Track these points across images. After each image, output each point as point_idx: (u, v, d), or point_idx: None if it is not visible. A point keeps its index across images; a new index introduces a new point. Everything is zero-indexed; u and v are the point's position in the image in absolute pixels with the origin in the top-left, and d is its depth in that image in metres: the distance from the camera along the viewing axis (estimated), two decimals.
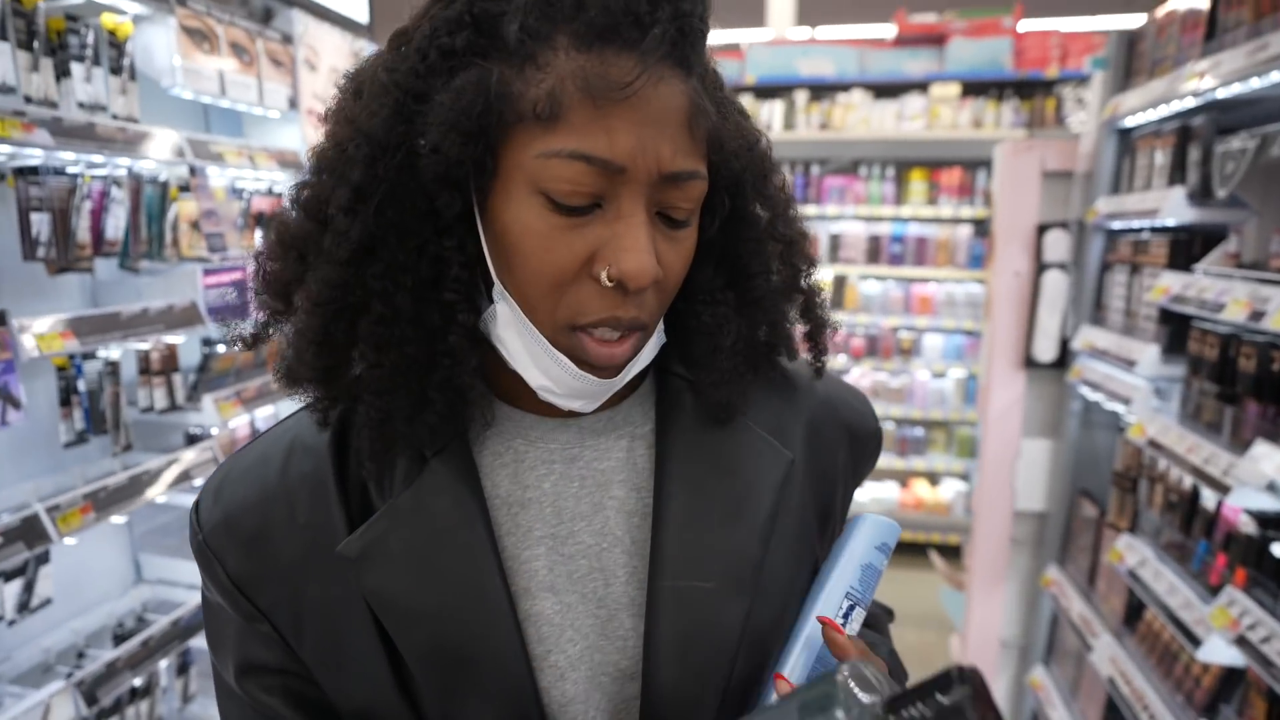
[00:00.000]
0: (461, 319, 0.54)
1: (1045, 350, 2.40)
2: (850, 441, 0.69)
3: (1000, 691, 2.62)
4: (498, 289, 0.54)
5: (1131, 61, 2.15)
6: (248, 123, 2.40)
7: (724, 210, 0.58)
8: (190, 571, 2.06)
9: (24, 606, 1.61)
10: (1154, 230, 2.01)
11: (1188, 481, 1.72)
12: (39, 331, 1.52)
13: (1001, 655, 2.62)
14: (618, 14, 0.47)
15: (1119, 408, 2.02)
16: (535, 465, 0.60)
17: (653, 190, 0.51)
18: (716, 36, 0.55)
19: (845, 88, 4.29)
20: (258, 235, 2.20)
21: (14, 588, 1.59)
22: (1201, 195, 1.73)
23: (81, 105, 1.63)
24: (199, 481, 1.91)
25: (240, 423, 2.13)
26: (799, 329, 0.66)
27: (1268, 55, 1.40)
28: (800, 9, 5.30)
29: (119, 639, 1.89)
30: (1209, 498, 1.65)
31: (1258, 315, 1.38)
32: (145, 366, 1.90)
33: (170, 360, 1.94)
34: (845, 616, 0.61)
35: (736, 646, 0.58)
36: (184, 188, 1.90)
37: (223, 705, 0.62)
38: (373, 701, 0.56)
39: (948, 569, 3.06)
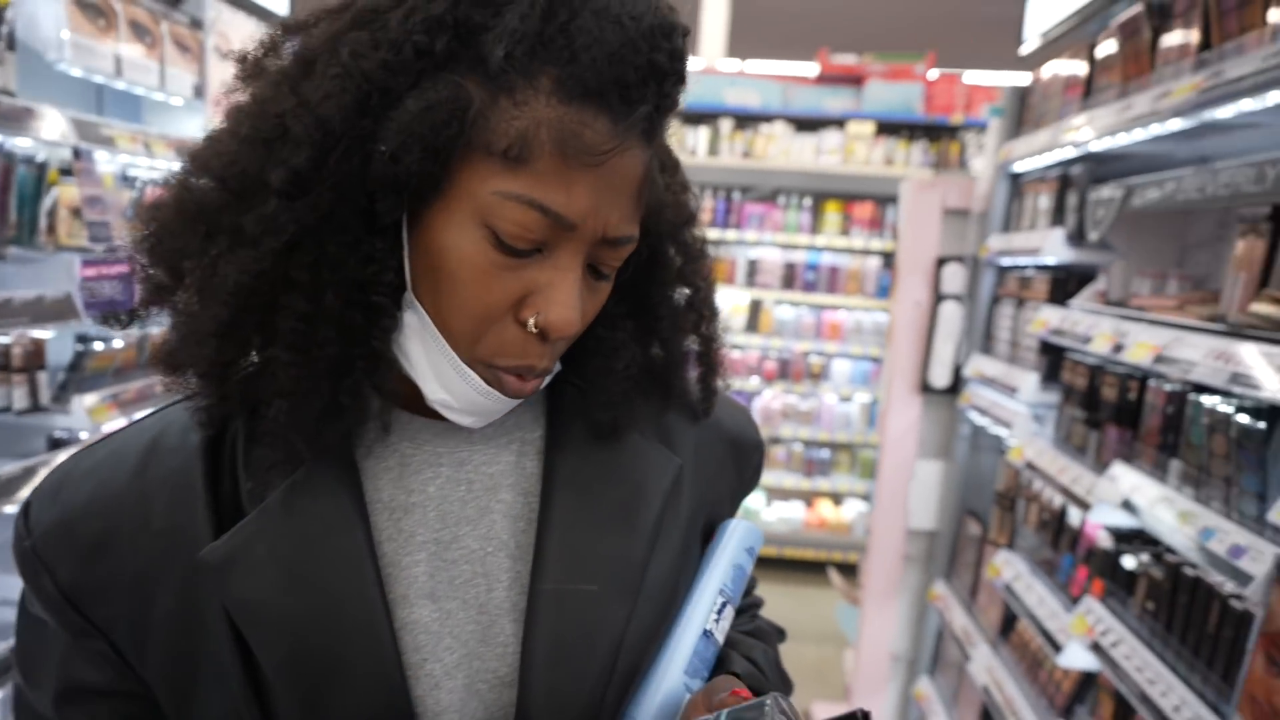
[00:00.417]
0: (385, 324, 0.52)
1: (940, 376, 2.54)
2: (735, 453, 0.71)
3: (888, 704, 2.73)
4: (409, 298, 0.52)
5: (1023, 112, 2.33)
6: (148, 108, 2.29)
7: (641, 256, 0.59)
8: None
9: None
10: (1037, 268, 2.17)
11: (1058, 501, 1.86)
12: None
13: (891, 668, 2.73)
14: (607, 79, 0.47)
15: (1002, 431, 2.16)
16: (421, 469, 0.58)
17: (591, 248, 0.52)
18: None
19: (768, 119, 4.45)
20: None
21: None
22: (1077, 237, 1.88)
23: None
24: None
25: (115, 428, 1.98)
26: (693, 371, 0.68)
27: (1133, 114, 1.55)
28: (730, 42, 5.48)
29: None
30: (1075, 515, 1.79)
31: (1119, 348, 1.52)
32: (4, 362, 1.73)
33: (36, 356, 1.77)
34: (719, 613, 0.64)
35: (617, 648, 0.57)
36: (66, 171, 1.77)
37: None
38: None
39: (845, 586, 3.17)
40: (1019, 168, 2.26)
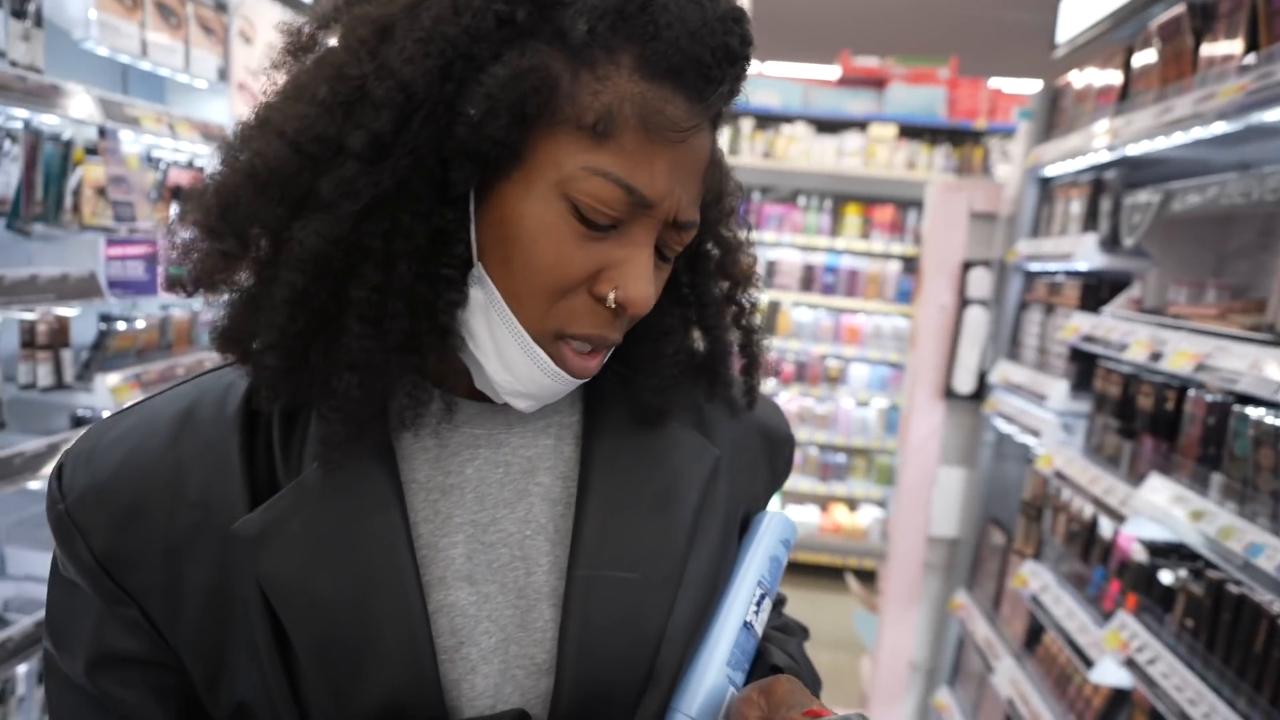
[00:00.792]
0: (453, 298, 0.51)
1: (964, 382, 2.51)
2: (768, 446, 0.71)
3: (907, 713, 2.69)
4: (476, 273, 0.52)
5: (1054, 115, 2.29)
6: (172, 90, 2.29)
7: (689, 246, 0.60)
8: None
9: None
10: (1068, 274, 2.13)
11: (1088, 511, 1.82)
12: None
13: (910, 677, 2.69)
14: (688, 57, 0.48)
15: (1030, 439, 2.12)
16: (458, 450, 0.58)
17: (662, 229, 0.53)
18: None
19: (789, 119, 4.42)
20: (173, 208, 2.09)
21: None
22: (1111, 243, 1.84)
23: None
24: None
25: (146, 396, 2.00)
26: (736, 361, 0.68)
27: (1173, 117, 1.52)
28: None
29: None
30: (1106, 527, 1.75)
31: (1156, 356, 1.48)
32: (30, 339, 1.73)
33: (60, 334, 1.77)
34: (757, 605, 0.63)
35: (659, 639, 0.57)
36: (91, 150, 1.77)
37: (57, 700, 0.55)
38: (255, 696, 0.53)
39: (863, 592, 3.14)
40: (1049, 172, 2.22)
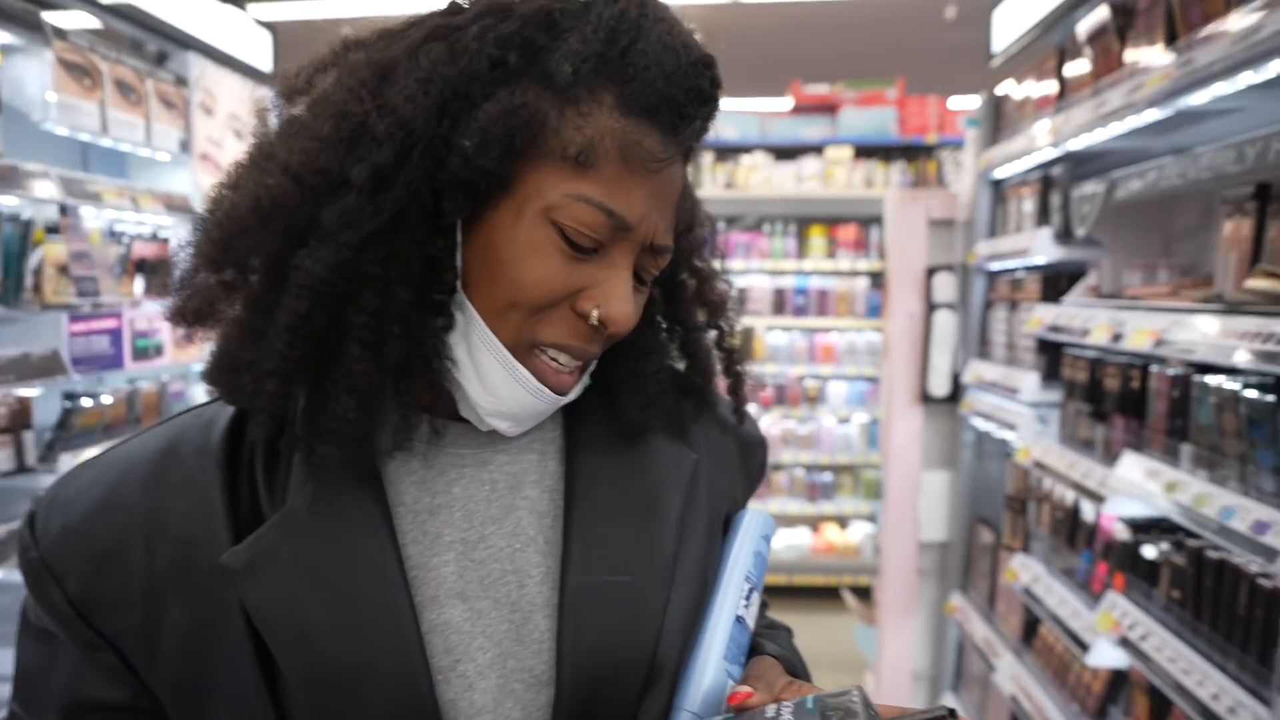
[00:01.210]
0: (443, 323, 0.54)
1: (939, 385, 2.54)
2: (742, 450, 0.73)
3: None
4: (459, 298, 0.54)
5: (999, 120, 2.38)
6: (134, 164, 2.31)
7: (664, 273, 0.64)
8: None
9: None
10: (1027, 269, 2.19)
11: (1070, 497, 1.85)
12: None
13: (914, 687, 2.67)
14: (663, 98, 0.52)
15: (1007, 434, 2.15)
16: (444, 471, 0.59)
17: (640, 253, 0.56)
18: None
19: (748, 149, 4.53)
20: (138, 283, 2.09)
21: None
22: (1064, 235, 1.91)
23: None
24: None
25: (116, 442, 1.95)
26: (720, 383, 0.71)
27: (1108, 109, 1.59)
28: None
29: None
30: (1089, 511, 1.77)
31: (1118, 337, 1.52)
32: None
33: (21, 415, 1.75)
34: (747, 599, 0.63)
35: (657, 638, 0.57)
36: (52, 229, 1.77)
37: None
38: None
39: (860, 607, 3.12)
40: (999, 174, 2.30)
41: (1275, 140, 1.23)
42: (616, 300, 0.54)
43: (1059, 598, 1.77)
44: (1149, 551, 1.50)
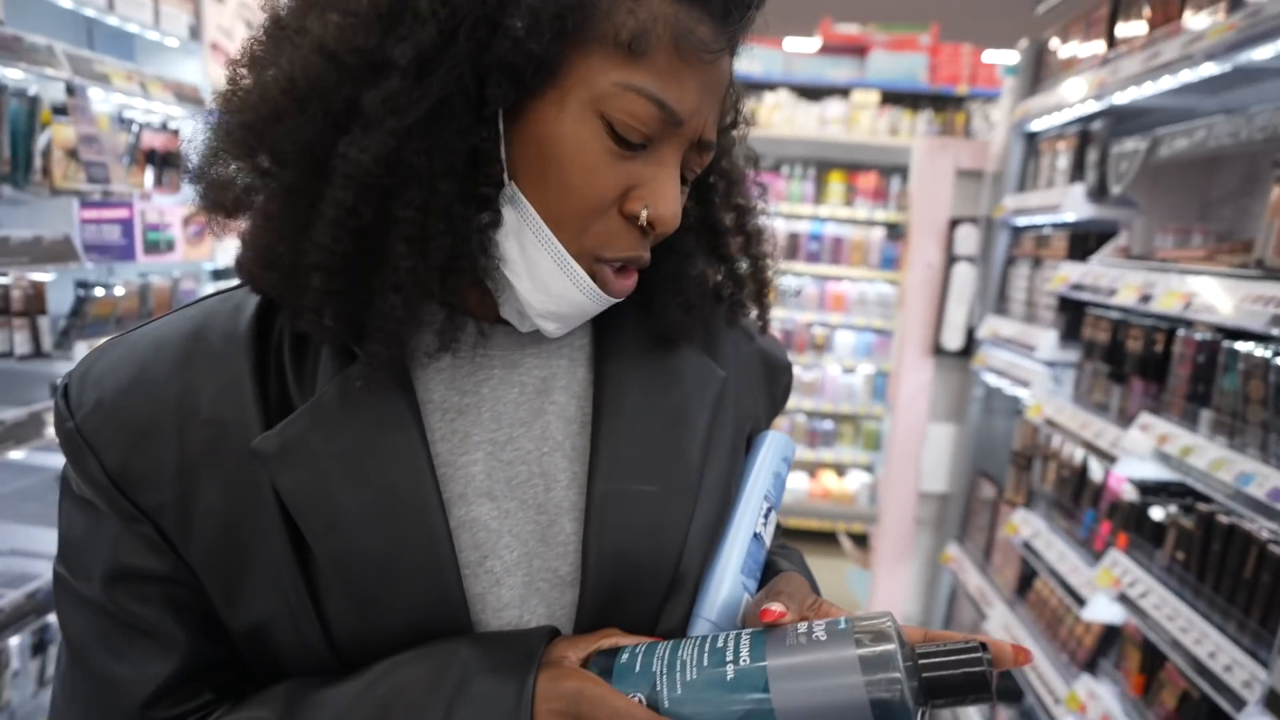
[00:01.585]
0: (489, 218, 0.51)
1: (952, 339, 2.53)
2: (768, 372, 0.73)
3: None
4: (509, 192, 0.52)
5: (1039, 70, 2.30)
6: (142, 49, 2.22)
7: (695, 174, 0.62)
8: (52, 542, 1.82)
9: None
10: (1055, 226, 2.15)
11: (1079, 456, 1.86)
12: None
13: None
14: None
15: (1020, 391, 2.15)
16: (473, 371, 0.58)
17: (687, 150, 0.54)
18: None
19: (771, 87, 4.40)
20: (148, 174, 2.04)
21: None
22: (1098, 193, 1.86)
23: None
24: None
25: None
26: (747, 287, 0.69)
27: (1161, 61, 1.53)
28: None
29: None
30: (1097, 471, 1.78)
31: (1146, 298, 1.50)
32: (4, 306, 1.66)
33: (36, 300, 1.70)
34: (765, 517, 0.64)
35: (681, 546, 0.58)
36: (60, 110, 1.70)
37: (69, 618, 0.55)
38: (275, 614, 0.53)
39: (856, 552, 3.18)
40: (1035, 126, 2.24)
41: None
42: (665, 199, 0.52)
43: (1059, 553, 1.79)
44: (1156, 513, 1.51)
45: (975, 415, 2.48)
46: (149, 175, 2.04)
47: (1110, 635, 1.70)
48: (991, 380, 2.36)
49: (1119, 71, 1.71)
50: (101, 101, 1.89)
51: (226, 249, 2.38)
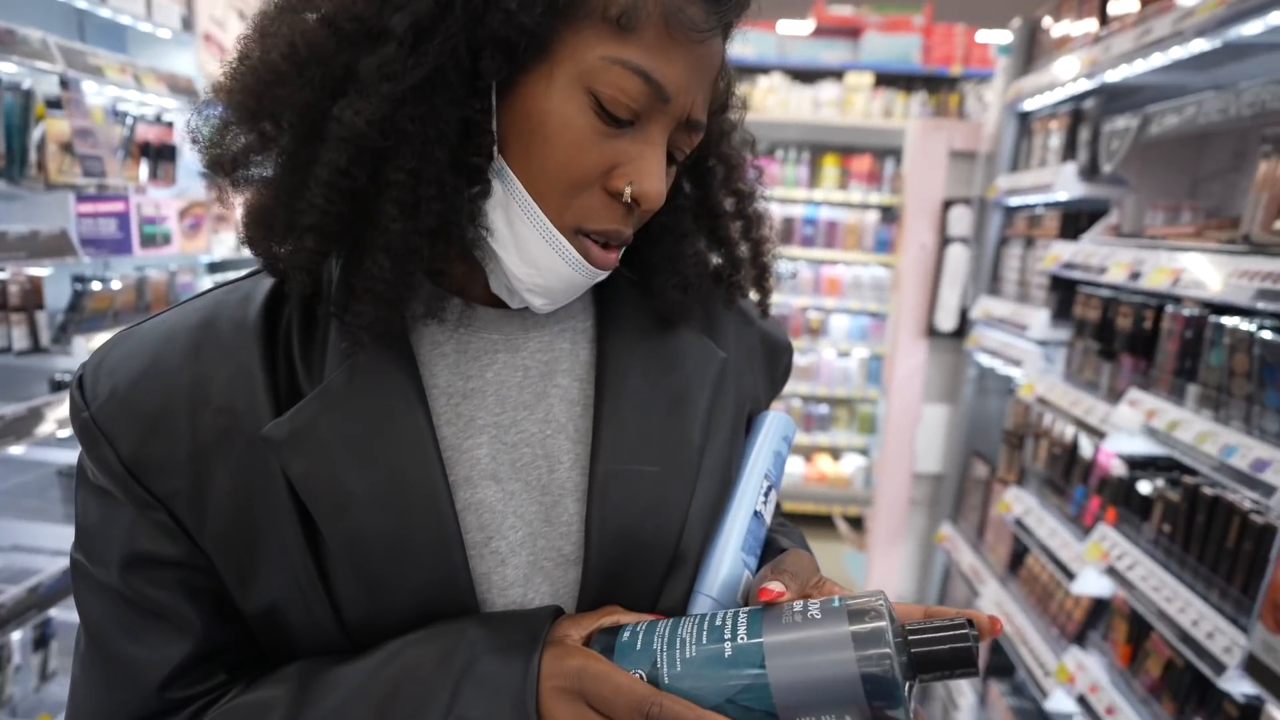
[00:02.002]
0: (480, 189, 0.52)
1: (946, 320, 2.54)
2: (768, 352, 0.74)
3: None
4: (497, 165, 0.53)
5: (1032, 49, 2.30)
6: (134, 41, 2.21)
7: (691, 158, 0.62)
8: (53, 537, 1.84)
9: None
10: (1047, 206, 2.16)
11: (1069, 433, 1.88)
12: None
13: None
14: None
15: (1013, 371, 2.17)
16: (477, 355, 0.59)
17: (675, 128, 0.55)
18: None
19: (765, 70, 4.39)
20: (143, 167, 2.04)
21: None
22: (1090, 171, 1.87)
23: None
24: (65, 433, 1.71)
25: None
26: (747, 272, 0.69)
27: (1153, 38, 1.53)
28: None
29: None
30: (1087, 448, 1.80)
31: (1136, 276, 1.52)
32: (2, 300, 1.68)
33: (34, 295, 1.71)
34: (765, 495, 0.65)
35: (682, 525, 0.59)
36: (53, 104, 1.70)
37: (87, 604, 0.56)
38: (287, 595, 0.54)
39: (852, 534, 3.21)
40: (1028, 105, 2.24)
41: None
42: (650, 177, 0.53)
43: (1049, 529, 1.81)
44: (1144, 487, 1.53)
45: (969, 396, 2.50)
46: (144, 168, 2.04)
47: (1099, 608, 1.72)
48: (985, 360, 2.38)
49: (1111, 49, 1.72)
50: (95, 94, 1.89)
51: (223, 242, 2.38)
